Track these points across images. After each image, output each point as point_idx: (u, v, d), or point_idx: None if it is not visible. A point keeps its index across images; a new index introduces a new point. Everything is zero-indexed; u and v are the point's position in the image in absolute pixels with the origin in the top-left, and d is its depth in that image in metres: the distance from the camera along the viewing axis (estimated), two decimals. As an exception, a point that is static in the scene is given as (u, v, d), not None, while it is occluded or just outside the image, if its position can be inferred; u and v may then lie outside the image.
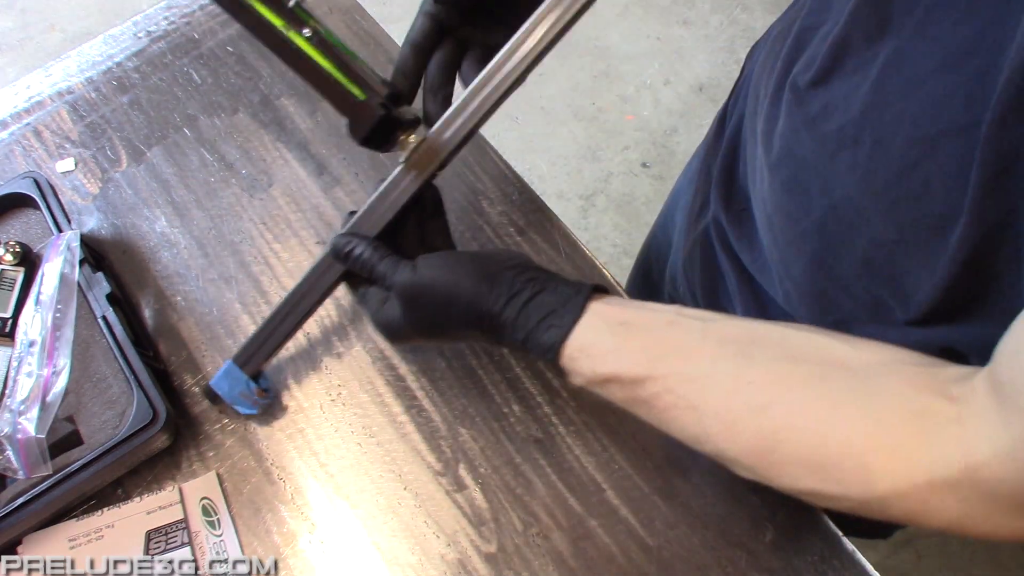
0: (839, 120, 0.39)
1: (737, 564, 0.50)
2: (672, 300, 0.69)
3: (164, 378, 0.57)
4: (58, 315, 0.54)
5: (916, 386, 0.35)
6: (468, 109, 0.49)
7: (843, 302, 0.46)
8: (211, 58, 0.72)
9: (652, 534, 0.52)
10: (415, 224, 0.52)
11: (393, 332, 0.47)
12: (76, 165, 0.67)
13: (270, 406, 0.56)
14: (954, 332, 0.40)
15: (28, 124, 0.69)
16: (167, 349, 0.59)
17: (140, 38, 0.74)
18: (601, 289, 0.45)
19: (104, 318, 0.54)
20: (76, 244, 0.56)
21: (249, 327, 0.59)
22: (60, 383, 0.52)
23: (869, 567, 0.50)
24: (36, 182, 0.60)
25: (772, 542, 0.51)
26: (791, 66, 0.44)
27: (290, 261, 0.62)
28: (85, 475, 0.49)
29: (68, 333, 0.54)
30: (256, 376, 0.54)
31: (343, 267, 0.50)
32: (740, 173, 0.56)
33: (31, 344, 0.52)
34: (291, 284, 0.61)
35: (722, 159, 0.58)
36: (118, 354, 0.53)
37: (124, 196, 0.65)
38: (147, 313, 0.60)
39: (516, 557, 0.51)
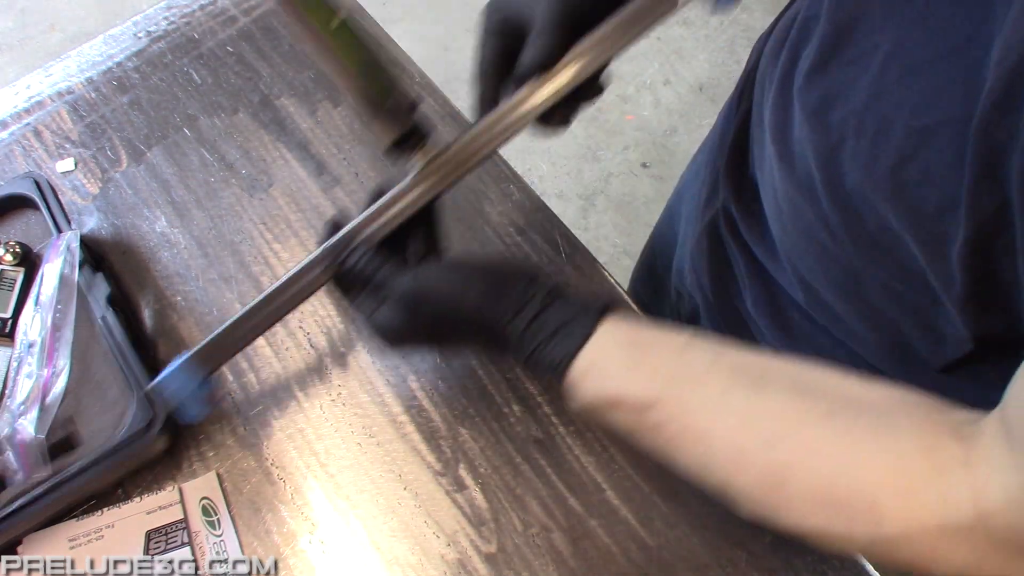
0: (842, 110, 0.39)
1: (737, 564, 0.50)
2: (678, 294, 0.69)
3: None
4: (58, 316, 0.53)
5: (927, 427, 0.34)
6: (494, 129, 0.47)
7: (855, 291, 0.46)
8: (211, 58, 0.72)
9: (652, 534, 0.52)
10: (410, 229, 0.51)
11: (391, 336, 0.47)
12: (76, 165, 0.67)
13: (218, 409, 0.56)
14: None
15: (28, 124, 0.69)
16: (167, 349, 0.58)
17: (140, 38, 0.74)
18: (613, 306, 0.44)
19: (104, 319, 0.54)
20: (76, 245, 0.56)
21: (249, 327, 0.59)
22: (59, 384, 0.52)
23: (869, 567, 0.50)
24: (36, 183, 0.60)
25: (772, 542, 0.51)
26: (796, 56, 0.44)
27: (290, 261, 0.62)
28: (84, 478, 0.48)
29: (68, 334, 0.53)
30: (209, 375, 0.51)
31: (334, 270, 0.49)
32: (751, 162, 0.56)
33: (31, 345, 0.52)
34: (291, 284, 0.61)
35: (731, 149, 0.58)
36: (117, 356, 0.52)
37: (124, 196, 0.65)
38: (147, 313, 0.60)
39: (516, 557, 0.51)
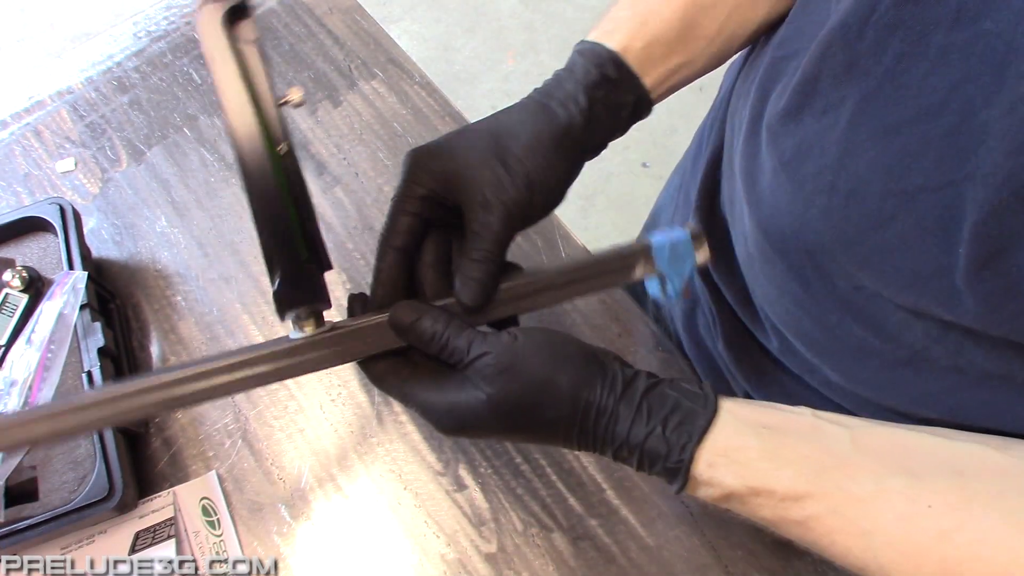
0: (814, 164, 0.38)
1: (737, 564, 0.50)
2: (657, 322, 0.66)
3: (138, 442, 0.55)
4: (50, 355, 0.52)
5: None
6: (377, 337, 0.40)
7: (828, 343, 0.44)
8: (211, 58, 0.72)
9: (652, 534, 0.51)
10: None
11: (461, 419, 0.38)
12: (76, 165, 0.67)
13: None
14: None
15: (28, 124, 0.69)
16: (167, 349, 0.59)
17: (140, 38, 0.74)
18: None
19: (88, 374, 0.52)
20: (82, 287, 0.54)
21: (249, 327, 0.59)
22: None
23: (869, 567, 0.50)
24: (61, 209, 0.58)
25: (772, 542, 0.51)
26: (765, 98, 0.43)
27: (290, 261, 0.62)
28: (32, 535, 0.47)
29: (54, 377, 0.51)
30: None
31: (396, 343, 0.40)
32: (720, 204, 0.55)
33: (12, 384, 0.50)
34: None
35: (701, 187, 0.56)
36: None
37: (124, 196, 0.65)
38: (147, 314, 0.60)
39: (516, 557, 0.51)
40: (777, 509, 0.36)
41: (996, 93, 0.30)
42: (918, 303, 0.36)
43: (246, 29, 0.37)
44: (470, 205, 0.41)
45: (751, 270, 0.49)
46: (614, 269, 0.43)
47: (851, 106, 0.36)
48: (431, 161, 0.42)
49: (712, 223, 0.55)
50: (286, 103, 0.39)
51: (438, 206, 0.43)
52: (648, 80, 0.45)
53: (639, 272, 0.43)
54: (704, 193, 0.56)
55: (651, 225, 0.78)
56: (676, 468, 0.36)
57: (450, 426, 0.38)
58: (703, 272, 0.57)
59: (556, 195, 0.44)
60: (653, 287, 0.43)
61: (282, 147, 0.38)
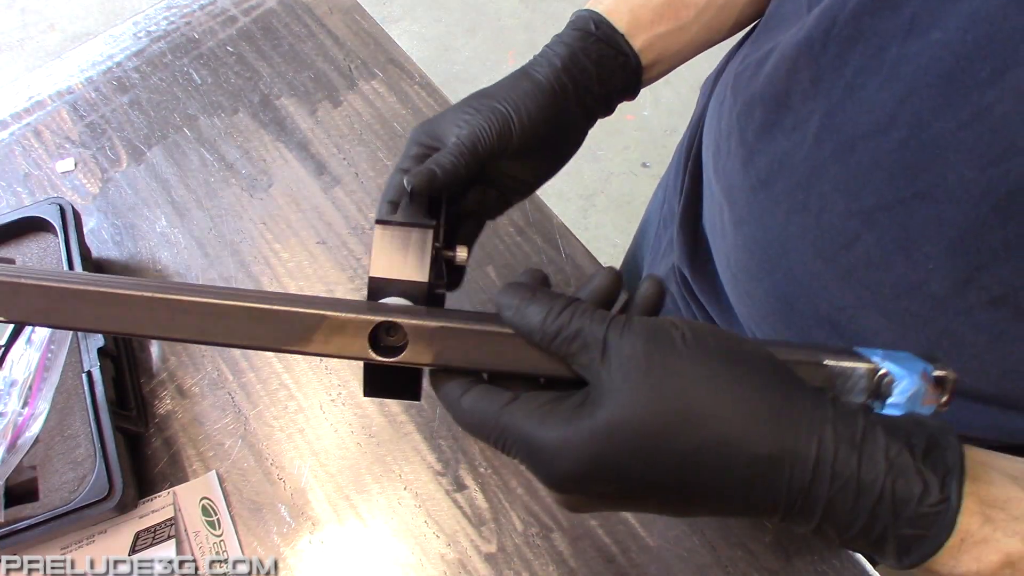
0: (786, 182, 0.38)
1: (737, 564, 0.50)
2: None
3: (138, 442, 0.55)
4: (49, 356, 0.52)
5: None
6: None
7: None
8: (211, 58, 0.72)
9: (652, 534, 0.51)
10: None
11: (596, 460, 0.25)
12: (76, 165, 0.67)
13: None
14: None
15: (28, 124, 0.69)
16: (167, 349, 0.59)
17: (140, 38, 0.74)
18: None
19: (88, 374, 0.52)
20: None
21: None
22: (34, 427, 0.50)
23: (868, 567, 0.50)
24: (61, 209, 0.58)
25: (772, 542, 0.51)
26: (740, 116, 0.43)
27: (290, 261, 0.62)
28: (32, 535, 0.47)
29: (54, 378, 0.52)
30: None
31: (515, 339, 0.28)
32: (703, 223, 0.54)
33: (12, 384, 0.51)
34: (291, 284, 0.61)
35: (684, 204, 0.56)
36: (92, 416, 0.50)
37: (124, 196, 0.65)
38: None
39: (516, 557, 0.51)
40: None
41: (947, 105, 0.29)
42: (900, 319, 0.36)
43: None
44: (449, 128, 0.40)
45: (736, 289, 0.49)
46: (808, 349, 0.29)
47: (816, 122, 0.36)
48: (424, 125, 0.42)
49: (695, 242, 0.55)
50: (452, 257, 0.39)
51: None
52: (637, 43, 0.45)
53: (846, 360, 0.28)
54: (687, 211, 0.56)
55: (640, 237, 0.77)
56: (934, 515, 0.24)
57: (570, 471, 0.25)
58: (690, 291, 0.56)
59: (535, 142, 0.41)
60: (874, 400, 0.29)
61: (438, 286, 0.35)
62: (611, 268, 0.31)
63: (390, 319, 0.28)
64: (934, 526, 0.23)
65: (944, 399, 0.28)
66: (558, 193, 1.74)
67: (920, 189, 0.31)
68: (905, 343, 0.36)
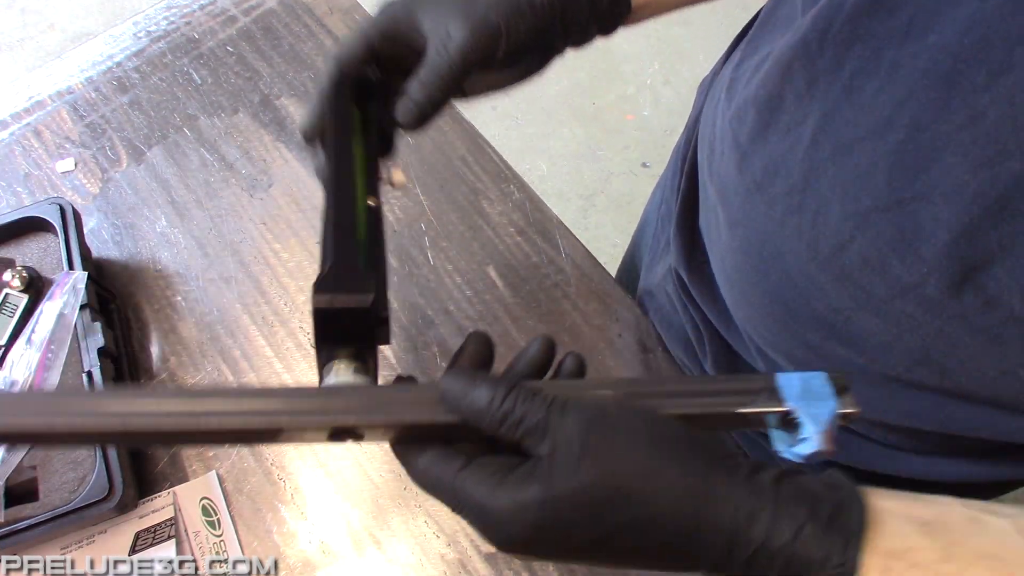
0: (782, 184, 0.38)
1: (737, 564, 0.50)
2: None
3: None
4: (50, 355, 0.52)
5: None
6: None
7: (813, 362, 0.43)
8: (211, 58, 0.72)
9: (652, 534, 0.51)
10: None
11: (539, 527, 0.27)
12: (76, 165, 0.67)
13: None
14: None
15: (28, 124, 0.69)
16: (167, 349, 0.59)
17: (140, 38, 0.74)
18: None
19: (88, 374, 0.52)
20: (82, 287, 0.54)
21: (249, 327, 0.59)
22: None
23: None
24: (61, 209, 0.58)
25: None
26: (733, 119, 0.43)
27: (290, 261, 0.62)
28: (32, 535, 0.47)
29: (54, 378, 0.52)
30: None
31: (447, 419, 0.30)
32: (700, 225, 0.54)
33: (12, 384, 0.51)
34: (291, 284, 0.61)
35: (681, 206, 0.56)
36: None
37: (124, 196, 0.65)
38: (147, 314, 0.60)
39: (516, 557, 0.51)
40: None
41: (945, 107, 0.29)
42: (895, 321, 0.36)
43: (375, 110, 0.38)
44: (433, 33, 0.39)
45: (732, 292, 0.49)
46: (728, 391, 0.32)
47: (812, 124, 0.36)
48: (404, 8, 0.40)
49: (692, 244, 0.55)
50: (386, 180, 0.39)
51: (386, 59, 0.41)
52: None
53: (762, 402, 0.31)
54: (683, 213, 0.56)
55: (639, 236, 0.77)
56: None
57: (516, 535, 0.28)
58: (687, 293, 0.56)
59: (512, 60, 0.40)
60: (782, 444, 0.32)
61: (372, 200, 0.37)
62: (545, 337, 0.34)
63: (345, 424, 0.31)
64: None
65: (850, 400, 0.31)
66: (558, 193, 1.74)
67: (918, 191, 0.31)
68: (900, 344, 0.37)
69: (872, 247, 0.34)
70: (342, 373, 0.33)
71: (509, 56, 0.40)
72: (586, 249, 0.63)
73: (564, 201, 1.73)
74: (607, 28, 0.44)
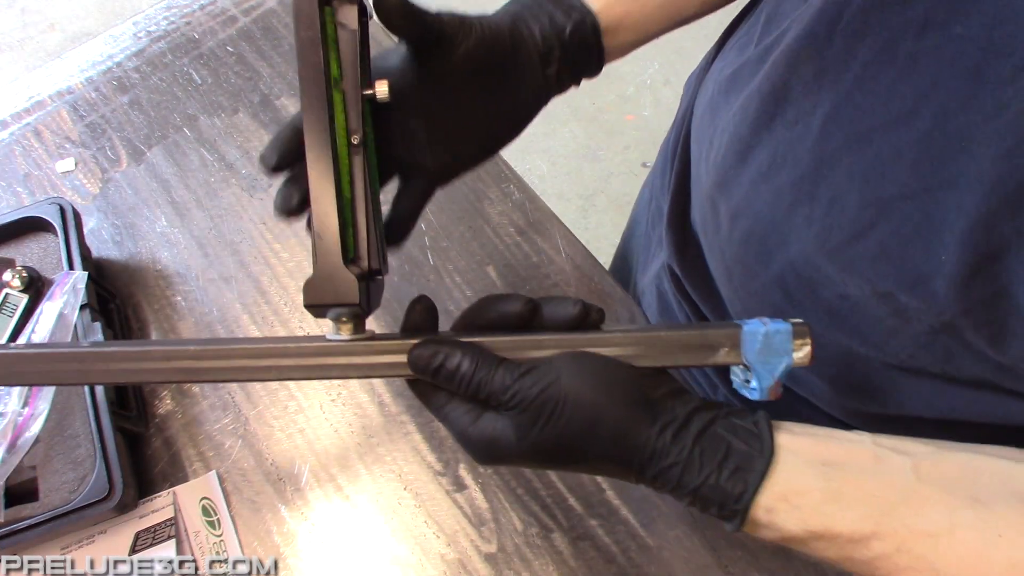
0: (790, 174, 0.38)
1: (737, 564, 0.50)
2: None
3: (139, 442, 0.55)
4: None
5: None
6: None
7: (816, 355, 0.43)
8: (211, 58, 0.72)
9: (652, 534, 0.51)
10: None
11: (497, 454, 0.36)
12: (76, 165, 0.67)
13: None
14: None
15: (28, 124, 0.69)
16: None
17: (140, 38, 0.74)
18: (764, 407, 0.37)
19: None
20: (82, 287, 0.54)
21: (250, 327, 0.59)
22: (34, 427, 0.49)
23: (869, 567, 0.50)
24: (61, 209, 0.58)
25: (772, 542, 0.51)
26: (736, 112, 0.43)
27: (290, 261, 0.62)
28: (32, 535, 0.47)
29: None
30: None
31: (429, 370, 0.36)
32: (693, 219, 0.54)
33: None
34: (291, 284, 0.61)
35: (673, 201, 0.56)
36: (92, 416, 0.50)
37: (124, 196, 0.65)
38: (147, 314, 0.60)
39: (516, 557, 0.51)
40: (843, 550, 0.34)
41: (973, 97, 0.30)
42: (903, 310, 0.36)
43: (347, 15, 0.35)
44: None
45: (729, 284, 0.49)
46: (693, 346, 0.36)
47: (822, 115, 0.36)
48: None
49: (684, 239, 0.55)
50: (371, 95, 0.36)
51: None
52: (596, 3, 0.43)
53: (722, 357, 0.36)
54: (675, 209, 0.55)
55: (629, 235, 0.76)
56: (731, 515, 0.34)
57: (488, 460, 0.36)
58: (681, 289, 0.56)
59: (479, 65, 0.40)
60: (736, 378, 0.38)
61: (355, 137, 0.35)
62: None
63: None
64: (735, 517, 0.34)
65: (806, 351, 0.36)
66: (558, 193, 1.74)
67: (945, 179, 0.31)
68: (905, 332, 0.37)
69: (894, 235, 0.34)
70: (344, 332, 0.37)
71: (469, 56, 0.39)
72: (586, 249, 0.63)
73: (564, 201, 1.73)
74: (592, 70, 0.45)
